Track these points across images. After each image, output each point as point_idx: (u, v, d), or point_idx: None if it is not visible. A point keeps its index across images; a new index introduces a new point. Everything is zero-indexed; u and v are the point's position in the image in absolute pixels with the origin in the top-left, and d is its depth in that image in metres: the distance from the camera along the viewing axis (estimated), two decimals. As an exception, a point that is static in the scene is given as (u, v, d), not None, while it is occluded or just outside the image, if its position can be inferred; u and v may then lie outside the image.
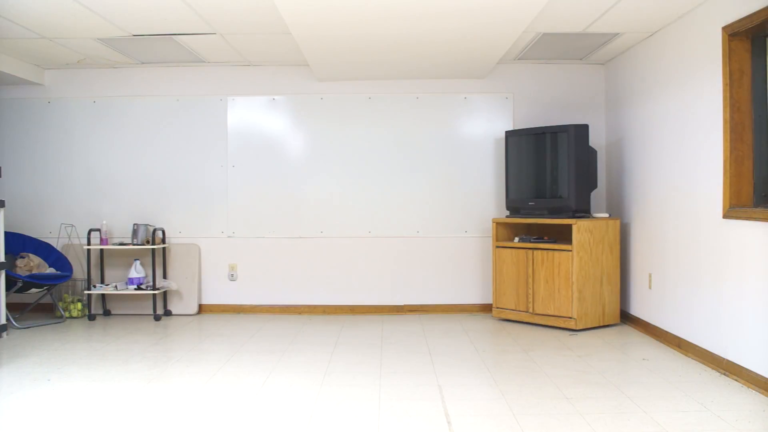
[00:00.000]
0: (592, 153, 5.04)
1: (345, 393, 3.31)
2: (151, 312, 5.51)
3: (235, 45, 4.92)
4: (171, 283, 5.52)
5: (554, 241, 5.01)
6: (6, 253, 5.03)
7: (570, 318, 4.76)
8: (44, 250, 5.51)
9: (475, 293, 5.69)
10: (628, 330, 4.84)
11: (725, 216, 3.59)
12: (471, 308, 5.67)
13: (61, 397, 3.26)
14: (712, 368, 3.69)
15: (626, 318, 5.08)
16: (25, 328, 5.02)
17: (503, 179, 5.59)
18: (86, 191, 5.73)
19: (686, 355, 4.01)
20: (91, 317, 5.44)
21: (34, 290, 5.21)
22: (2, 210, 4.65)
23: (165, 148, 5.71)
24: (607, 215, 5.11)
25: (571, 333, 4.73)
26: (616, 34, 4.61)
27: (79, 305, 5.51)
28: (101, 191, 5.72)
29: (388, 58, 4.89)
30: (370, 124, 5.67)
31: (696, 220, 3.96)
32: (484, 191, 5.67)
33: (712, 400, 3.14)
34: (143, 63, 5.57)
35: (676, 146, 4.25)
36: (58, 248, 5.66)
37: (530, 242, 5.04)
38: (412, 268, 5.69)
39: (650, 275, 4.64)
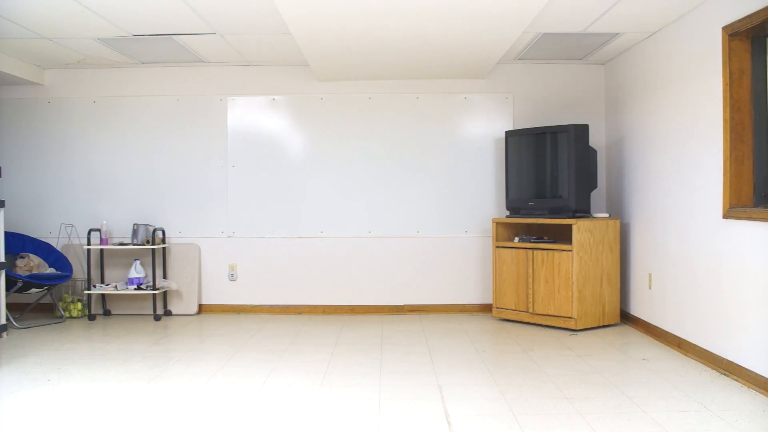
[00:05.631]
0: (592, 153, 5.04)
1: (345, 393, 3.31)
2: (151, 312, 5.51)
3: (235, 45, 4.92)
4: (171, 283, 5.52)
5: (554, 241, 5.01)
6: (6, 253, 5.03)
7: (570, 318, 4.76)
8: (44, 250, 5.51)
9: (475, 293, 5.69)
10: (628, 330, 4.84)
11: (725, 216, 3.59)
12: (471, 308, 5.67)
13: (61, 397, 3.26)
14: (712, 368, 3.69)
15: (626, 318, 5.08)
16: (25, 328, 5.02)
17: (503, 179, 5.59)
18: (86, 191, 5.73)
19: (686, 355, 4.01)
20: (91, 317, 5.44)
21: (34, 290, 5.21)
22: (2, 210, 4.65)
23: (165, 148, 5.71)
24: (607, 215, 5.10)
25: (571, 333, 4.73)
26: (616, 34, 4.61)
27: (79, 305, 5.51)
28: (101, 191, 5.72)
29: (388, 58, 4.89)
30: (370, 124, 5.67)
31: (696, 220, 3.96)
32: (484, 191, 5.67)
33: (712, 400, 3.14)
34: (143, 63, 5.57)
35: (676, 146, 4.25)
36: (58, 248, 5.66)
37: (530, 242, 5.04)
38: (412, 268, 5.69)
39: (650, 275, 4.64)
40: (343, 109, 5.68)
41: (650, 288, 4.63)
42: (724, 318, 3.62)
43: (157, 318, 5.41)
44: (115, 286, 5.42)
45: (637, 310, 4.90)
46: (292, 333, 4.85)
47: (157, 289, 5.41)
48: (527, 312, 5.02)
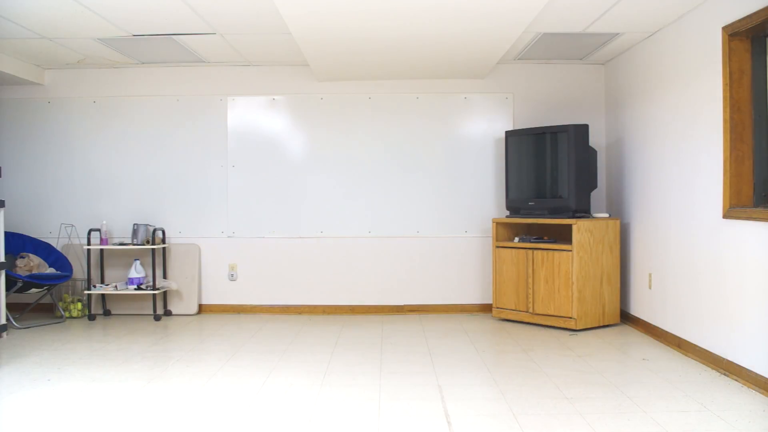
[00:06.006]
0: (592, 153, 5.04)
1: (345, 393, 3.31)
2: (151, 312, 5.51)
3: (235, 45, 4.92)
4: (171, 283, 5.52)
5: (554, 241, 5.01)
6: (6, 253, 5.03)
7: (570, 318, 4.76)
8: (44, 250, 5.51)
9: (475, 293, 5.69)
10: (628, 330, 4.84)
11: (725, 216, 3.59)
12: (471, 308, 5.67)
13: (61, 397, 3.26)
14: (712, 368, 3.69)
15: (626, 318, 5.08)
16: (25, 328, 5.02)
17: (503, 179, 5.59)
18: (86, 191, 5.73)
19: (686, 355, 4.01)
20: (91, 317, 5.44)
21: (34, 290, 5.21)
22: (2, 210, 4.65)
23: (165, 148, 5.71)
24: (607, 215, 5.11)
25: (571, 333, 4.73)
26: (616, 34, 4.61)
27: (79, 305, 5.51)
28: (101, 191, 5.72)
29: (388, 58, 4.89)
30: (370, 124, 5.67)
31: (696, 220, 3.96)
32: (484, 191, 5.67)
33: (712, 400, 3.14)
34: (143, 63, 5.57)
35: (676, 146, 4.25)
36: (58, 248, 5.66)
37: (530, 242, 5.04)
38: (412, 268, 5.69)
39: (650, 275, 4.64)
40: (343, 109, 5.68)
41: (650, 288, 4.63)
42: (724, 318, 3.62)
43: (157, 318, 5.41)
44: (115, 286, 5.42)
45: (637, 310, 4.90)
46: (292, 333, 4.85)
47: (157, 289, 5.41)
48: (527, 312, 5.02)
